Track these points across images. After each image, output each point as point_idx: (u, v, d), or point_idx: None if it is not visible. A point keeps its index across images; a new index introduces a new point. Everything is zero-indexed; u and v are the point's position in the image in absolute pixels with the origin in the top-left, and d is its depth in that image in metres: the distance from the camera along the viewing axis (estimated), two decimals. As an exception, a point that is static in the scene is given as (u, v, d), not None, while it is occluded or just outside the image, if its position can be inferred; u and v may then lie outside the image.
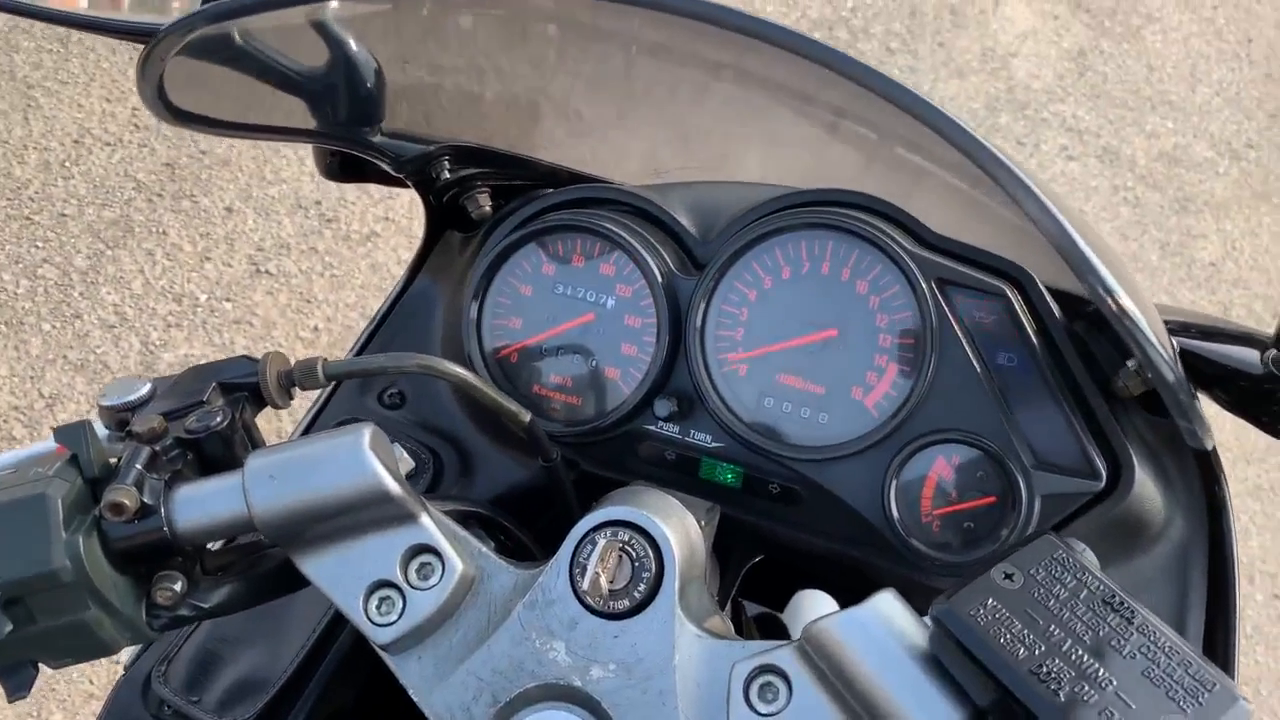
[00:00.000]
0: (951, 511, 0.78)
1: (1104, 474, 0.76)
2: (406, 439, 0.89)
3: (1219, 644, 0.79)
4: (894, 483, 0.79)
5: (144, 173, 2.75)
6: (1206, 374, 0.79)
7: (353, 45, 0.83)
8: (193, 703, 0.78)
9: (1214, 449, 0.83)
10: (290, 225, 2.71)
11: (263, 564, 0.64)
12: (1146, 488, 0.78)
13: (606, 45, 0.84)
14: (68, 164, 2.75)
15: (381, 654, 0.60)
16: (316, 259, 2.67)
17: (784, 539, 0.86)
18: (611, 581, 0.60)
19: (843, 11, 3.51)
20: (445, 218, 0.99)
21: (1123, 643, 0.52)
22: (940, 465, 0.79)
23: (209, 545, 0.63)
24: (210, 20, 0.67)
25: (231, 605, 0.62)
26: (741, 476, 0.83)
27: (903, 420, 0.78)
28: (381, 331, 0.98)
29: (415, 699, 0.60)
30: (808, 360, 0.82)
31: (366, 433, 0.59)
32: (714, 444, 0.84)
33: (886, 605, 0.55)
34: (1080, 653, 0.52)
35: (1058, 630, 0.52)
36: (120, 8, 1.11)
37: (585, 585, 0.60)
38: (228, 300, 2.57)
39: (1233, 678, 0.78)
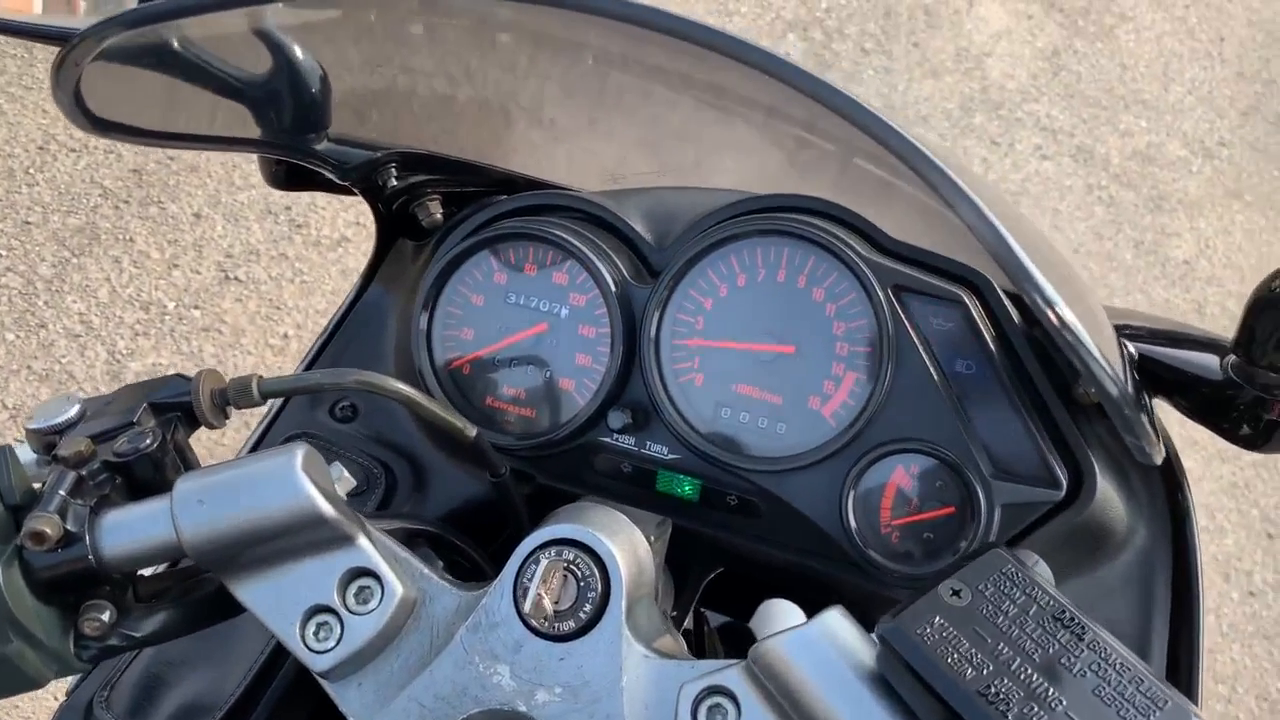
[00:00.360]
0: (910, 522, 0.77)
1: (1064, 483, 0.75)
2: (358, 453, 0.88)
3: (1183, 653, 0.78)
4: (851, 493, 0.77)
5: (110, 179, 2.71)
6: (1167, 380, 0.78)
7: (294, 50, 0.81)
8: None
9: (1176, 457, 0.82)
10: (260, 231, 2.68)
11: (198, 590, 0.62)
12: (1108, 496, 0.77)
13: (554, 50, 0.82)
14: (32, 171, 2.71)
15: (320, 681, 0.59)
16: (286, 265, 2.64)
17: (744, 551, 0.84)
18: (556, 602, 0.59)
19: (817, 12, 3.51)
20: (397, 226, 0.97)
21: (1073, 660, 0.51)
22: (899, 475, 0.77)
23: (143, 571, 0.61)
24: (127, 26, 0.64)
25: (165, 634, 0.60)
26: (699, 488, 0.82)
27: (860, 429, 0.77)
28: (334, 343, 0.96)
29: None
30: (764, 369, 0.80)
31: (299, 453, 0.57)
32: (670, 456, 0.82)
33: (833, 623, 0.54)
34: (1029, 671, 0.50)
35: (1006, 648, 0.51)
36: (76, 11, 1.08)
37: (528, 607, 0.58)
38: (196, 308, 2.54)
39: (1196, 686, 0.77)
